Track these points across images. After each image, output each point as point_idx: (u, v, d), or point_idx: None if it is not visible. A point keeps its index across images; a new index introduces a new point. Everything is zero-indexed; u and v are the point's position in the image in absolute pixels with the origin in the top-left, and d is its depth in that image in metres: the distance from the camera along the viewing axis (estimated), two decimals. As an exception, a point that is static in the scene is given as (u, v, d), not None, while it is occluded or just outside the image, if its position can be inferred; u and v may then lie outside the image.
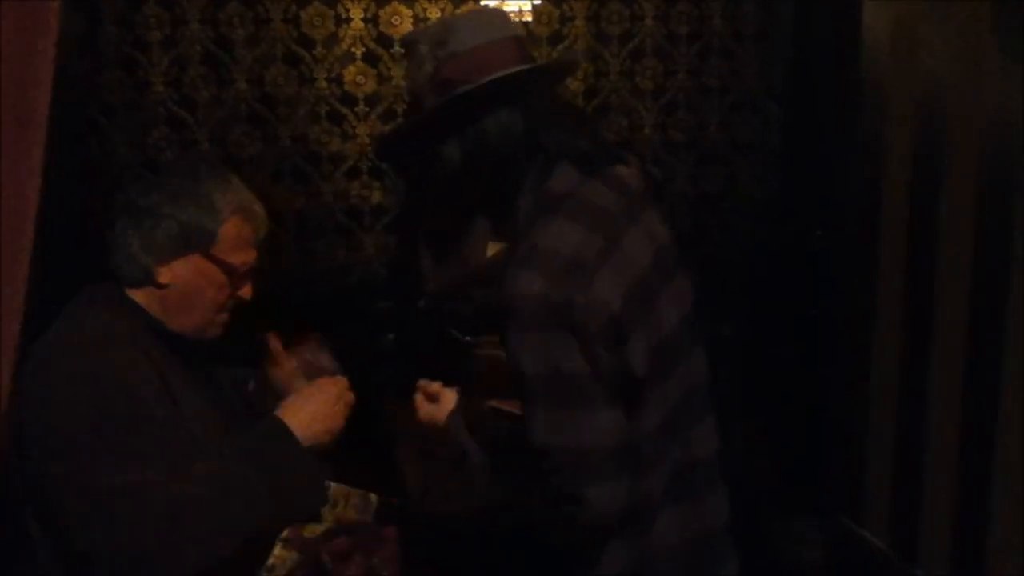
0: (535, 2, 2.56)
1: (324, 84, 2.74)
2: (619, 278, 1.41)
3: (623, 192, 1.52)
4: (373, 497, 1.82)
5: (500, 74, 1.43)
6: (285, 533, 1.67)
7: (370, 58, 2.75)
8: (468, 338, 2.35)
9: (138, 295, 1.67)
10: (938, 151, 2.27)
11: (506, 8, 2.55)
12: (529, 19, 2.59)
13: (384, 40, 2.75)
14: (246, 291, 1.75)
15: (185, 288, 1.68)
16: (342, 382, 1.80)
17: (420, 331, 2.44)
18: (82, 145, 2.59)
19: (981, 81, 2.09)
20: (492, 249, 2.61)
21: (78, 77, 2.54)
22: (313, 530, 1.70)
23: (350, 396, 1.78)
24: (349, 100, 2.76)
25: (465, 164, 1.47)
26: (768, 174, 3.03)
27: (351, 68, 2.75)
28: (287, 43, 2.70)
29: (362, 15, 2.72)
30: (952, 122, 2.22)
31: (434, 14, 2.75)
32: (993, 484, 2.10)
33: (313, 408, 1.71)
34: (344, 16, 2.72)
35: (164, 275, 1.66)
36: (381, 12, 2.73)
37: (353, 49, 2.74)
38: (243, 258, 1.72)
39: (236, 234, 1.70)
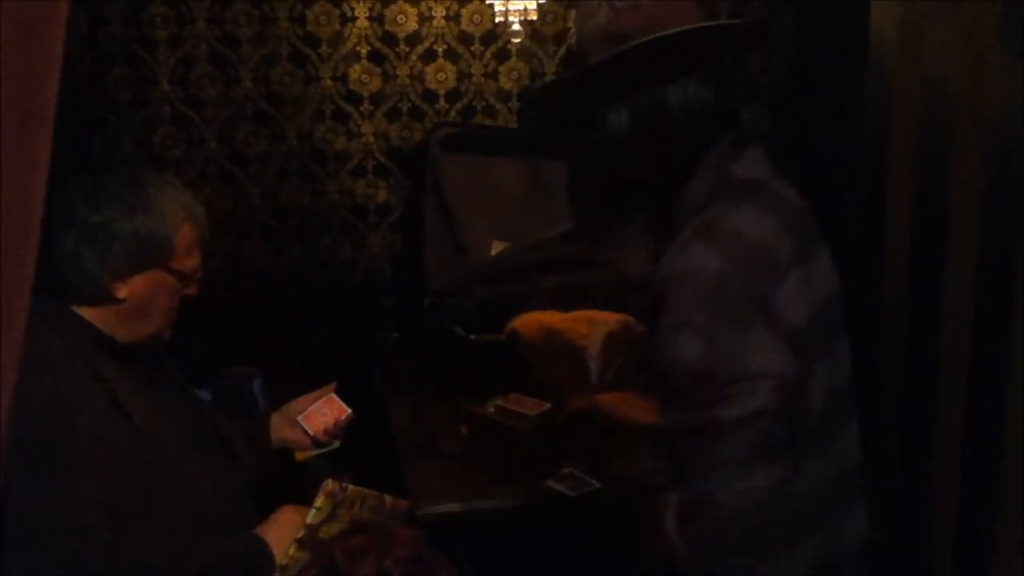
0: (540, 0, 2.55)
1: (329, 83, 2.75)
2: (809, 294, 1.19)
3: (808, 209, 1.29)
4: (388, 499, 1.83)
5: (685, 28, 1.18)
6: (300, 534, 1.67)
7: (375, 57, 2.76)
8: (472, 336, 2.36)
9: (87, 311, 1.63)
10: (942, 150, 2.26)
11: (511, 7, 2.54)
12: (535, 17, 2.58)
13: (389, 39, 2.76)
14: (193, 289, 1.74)
15: (141, 300, 1.66)
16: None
17: (423, 329, 2.44)
18: (85, 144, 2.60)
19: (986, 80, 2.09)
20: (496, 247, 2.61)
21: (81, 75, 2.56)
22: (328, 531, 1.70)
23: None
24: (354, 99, 2.77)
25: (634, 134, 1.23)
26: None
27: (356, 67, 2.76)
28: (293, 42, 2.71)
29: (367, 14, 2.73)
30: (956, 121, 2.22)
31: (439, 13, 2.75)
32: (998, 483, 2.09)
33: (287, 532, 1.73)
34: (349, 15, 2.73)
35: (121, 291, 1.63)
36: (386, 11, 2.74)
37: (358, 48, 2.75)
38: (194, 263, 1.72)
39: (188, 241, 1.70)
